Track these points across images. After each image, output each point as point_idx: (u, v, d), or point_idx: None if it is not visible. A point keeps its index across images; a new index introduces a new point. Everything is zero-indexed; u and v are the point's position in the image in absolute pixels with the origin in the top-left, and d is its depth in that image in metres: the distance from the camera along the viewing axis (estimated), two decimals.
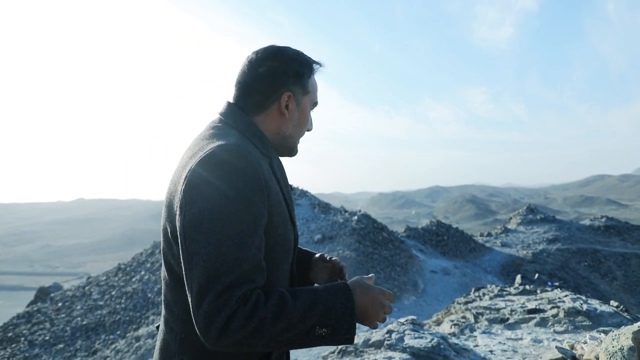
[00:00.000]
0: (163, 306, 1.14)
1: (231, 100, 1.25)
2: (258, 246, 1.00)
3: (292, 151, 1.30)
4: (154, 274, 17.06)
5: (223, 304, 0.91)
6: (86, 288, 18.10)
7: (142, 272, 17.65)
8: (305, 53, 1.28)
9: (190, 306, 0.95)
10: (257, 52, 1.22)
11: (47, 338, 13.96)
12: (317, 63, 1.28)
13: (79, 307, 16.00)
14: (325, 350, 8.64)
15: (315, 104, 1.31)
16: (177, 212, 1.00)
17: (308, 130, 1.33)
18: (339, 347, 4.81)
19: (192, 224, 0.96)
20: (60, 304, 16.88)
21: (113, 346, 12.55)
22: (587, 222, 31.23)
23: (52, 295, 19.22)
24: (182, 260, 0.98)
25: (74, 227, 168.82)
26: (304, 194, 25.92)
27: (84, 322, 14.50)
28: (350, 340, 1.01)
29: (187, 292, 0.96)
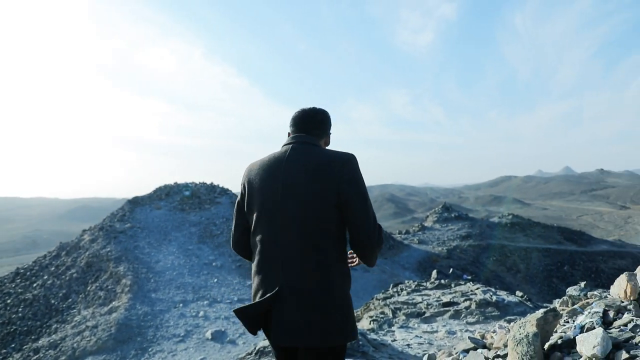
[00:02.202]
0: (314, 253, 1.72)
1: (291, 133, 1.97)
2: None
3: None
4: (59, 278, 15.63)
5: (380, 228, 1.82)
6: None
7: (45, 277, 16.09)
8: None
9: (365, 226, 1.73)
10: (314, 108, 2.00)
11: None
12: None
13: None
14: (242, 352, 8.32)
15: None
16: (344, 187, 1.71)
17: None
18: (257, 347, 4.59)
19: (362, 191, 1.74)
20: None
21: None
22: (495, 219, 33.57)
23: None
24: (355, 209, 1.72)
25: None
26: (224, 192, 25.24)
27: None
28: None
29: (361, 222, 1.72)
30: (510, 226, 30.95)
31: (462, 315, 5.49)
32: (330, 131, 2.04)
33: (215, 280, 15.07)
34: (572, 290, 3.61)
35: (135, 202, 22.87)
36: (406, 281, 9.52)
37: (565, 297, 3.56)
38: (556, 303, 3.87)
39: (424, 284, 7.87)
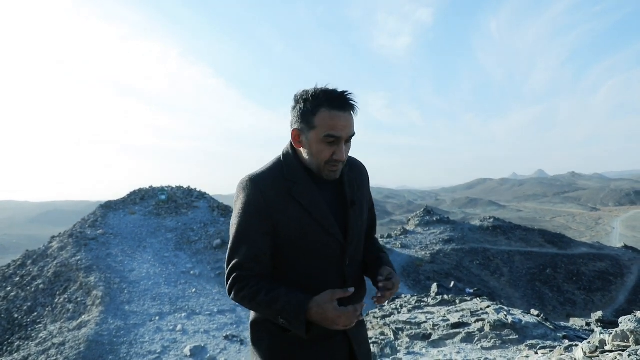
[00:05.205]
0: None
1: None
2: (251, 245, 1.45)
3: (322, 176, 1.49)
4: (24, 290, 14.54)
5: (229, 276, 1.48)
6: None
7: (9, 288, 14.96)
8: (323, 87, 1.42)
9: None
10: None
11: None
12: (330, 98, 1.38)
13: None
14: None
15: (328, 136, 1.40)
16: None
17: (333, 160, 1.44)
18: None
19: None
20: None
21: None
22: (477, 222, 33.46)
23: None
24: None
25: None
26: (202, 195, 24.34)
27: None
28: (302, 334, 1.38)
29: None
30: (492, 229, 30.88)
31: (476, 338, 4.93)
32: (309, 123, 1.44)
33: (194, 290, 14.24)
34: (626, 322, 3.04)
35: (108, 207, 21.77)
36: (403, 295, 8.91)
37: (618, 330, 3.00)
38: (598, 333, 3.32)
39: (425, 299, 7.28)
